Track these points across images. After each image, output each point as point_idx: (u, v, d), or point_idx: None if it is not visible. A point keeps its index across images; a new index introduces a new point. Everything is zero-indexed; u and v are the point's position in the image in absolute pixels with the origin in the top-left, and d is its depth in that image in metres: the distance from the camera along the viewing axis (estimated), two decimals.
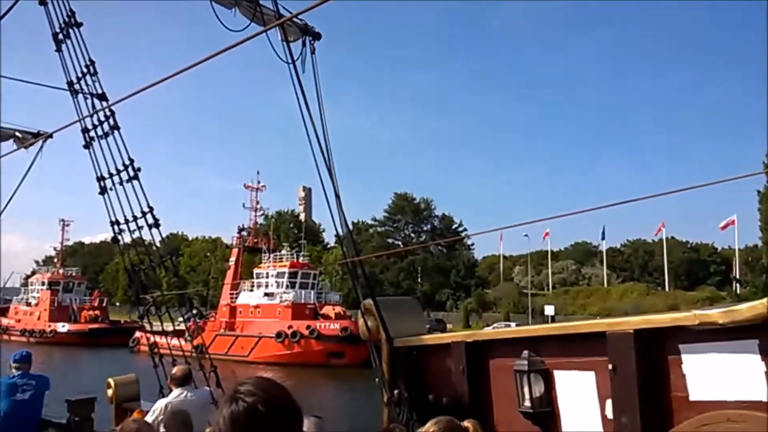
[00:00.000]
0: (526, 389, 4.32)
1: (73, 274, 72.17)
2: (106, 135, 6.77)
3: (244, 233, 60.75)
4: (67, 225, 76.15)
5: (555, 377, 4.28)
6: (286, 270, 52.63)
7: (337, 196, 5.41)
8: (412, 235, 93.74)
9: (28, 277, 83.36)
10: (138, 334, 48.96)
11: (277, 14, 5.94)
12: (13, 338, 59.36)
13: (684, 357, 3.58)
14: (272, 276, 52.91)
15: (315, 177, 5.71)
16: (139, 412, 6.32)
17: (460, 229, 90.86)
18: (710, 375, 3.48)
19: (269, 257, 55.27)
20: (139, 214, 6.82)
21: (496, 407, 4.67)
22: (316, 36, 6.59)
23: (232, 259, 59.50)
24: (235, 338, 49.75)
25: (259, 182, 60.08)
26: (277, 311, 50.00)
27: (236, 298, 55.10)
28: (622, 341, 3.76)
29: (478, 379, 4.78)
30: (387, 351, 5.35)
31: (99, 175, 6.91)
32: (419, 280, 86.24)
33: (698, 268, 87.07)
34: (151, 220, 6.87)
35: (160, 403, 5.92)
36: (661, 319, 3.76)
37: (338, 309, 52.94)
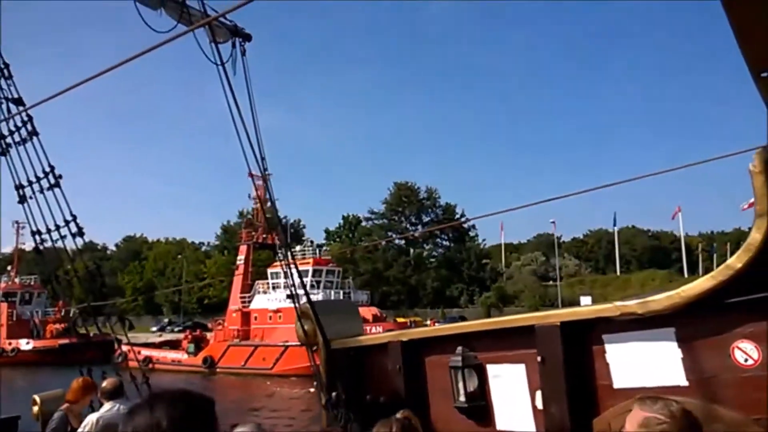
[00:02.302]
0: (460, 385, 4.40)
1: (32, 283, 62.41)
2: (24, 141, 6.49)
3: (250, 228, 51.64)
4: (22, 228, 68.93)
5: (488, 371, 4.33)
6: (310, 268, 45.74)
7: (271, 199, 5.38)
8: (410, 227, 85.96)
9: None
10: (124, 348, 43.26)
11: (204, 14, 5.80)
12: None
13: (607, 347, 3.68)
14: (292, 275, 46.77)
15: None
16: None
17: (463, 219, 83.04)
18: (632, 363, 3.61)
19: (285, 254, 48.99)
20: (62, 223, 6.56)
21: (433, 404, 4.71)
22: (246, 37, 6.48)
23: (241, 257, 51.17)
24: (254, 348, 43.09)
25: (265, 170, 52.69)
26: None
27: (249, 302, 47.81)
28: (550, 334, 3.85)
29: (414, 377, 4.81)
30: (324, 353, 5.31)
31: (17, 183, 6.62)
32: (395, 271, 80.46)
33: (660, 255, 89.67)
34: (74, 229, 6.62)
35: (91, 418, 5.71)
36: (586, 311, 3.86)
37: (374, 310, 47.83)
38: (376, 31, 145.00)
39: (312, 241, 55.12)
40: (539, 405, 3.95)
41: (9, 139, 6.45)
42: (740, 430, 3.09)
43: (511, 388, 4.18)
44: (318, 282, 46.62)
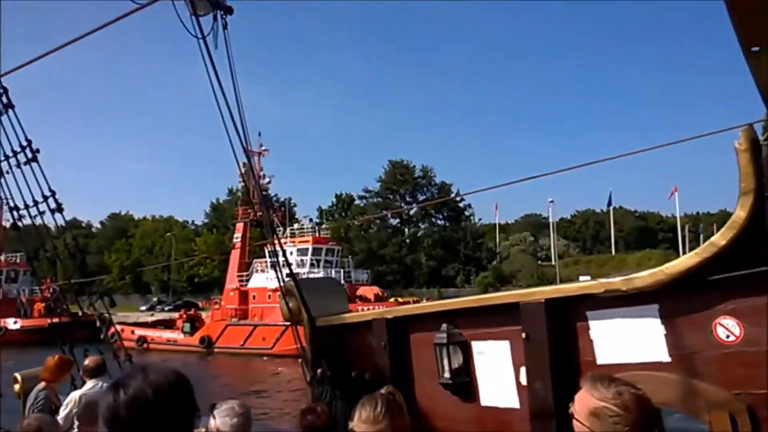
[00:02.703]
0: (445, 361, 4.41)
1: (18, 260, 59.54)
2: None
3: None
4: (6, 204, 65.29)
5: (472, 348, 4.33)
6: (309, 246, 45.53)
7: (254, 177, 5.28)
8: (404, 206, 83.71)
9: None
10: (118, 327, 42.32)
11: None
12: None
13: (591, 323, 3.70)
14: (292, 254, 43.78)
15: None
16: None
17: (458, 199, 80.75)
18: (615, 339, 3.63)
19: (284, 232, 46.73)
20: (40, 199, 6.43)
21: (418, 381, 4.72)
22: (228, 10, 6.31)
23: (238, 235, 49.97)
24: (253, 328, 41.64)
25: (261, 145, 48.77)
26: None
27: (247, 280, 46.46)
28: (534, 310, 3.86)
29: (399, 354, 4.81)
30: (309, 330, 5.29)
31: None
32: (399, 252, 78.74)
33: (647, 235, 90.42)
34: (53, 205, 6.50)
35: (74, 395, 5.71)
36: (570, 288, 3.87)
37: (376, 290, 47.28)
38: (367, 13, 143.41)
39: (311, 219, 55.14)
40: (523, 381, 3.97)
41: None
42: (722, 405, 3.11)
43: (495, 364, 4.20)
44: (318, 260, 45.85)
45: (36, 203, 6.46)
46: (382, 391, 3.11)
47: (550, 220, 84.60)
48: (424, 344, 4.58)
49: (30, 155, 6.32)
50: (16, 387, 6.79)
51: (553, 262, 77.18)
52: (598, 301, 3.62)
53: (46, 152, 6.42)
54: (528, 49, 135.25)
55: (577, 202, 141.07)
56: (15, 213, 6.65)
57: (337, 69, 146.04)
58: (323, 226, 53.70)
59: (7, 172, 6.43)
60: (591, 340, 3.69)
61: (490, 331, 4.23)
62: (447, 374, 4.35)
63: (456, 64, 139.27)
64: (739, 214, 3.02)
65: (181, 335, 45.06)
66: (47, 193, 6.43)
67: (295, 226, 50.39)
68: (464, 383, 4.35)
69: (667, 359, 3.37)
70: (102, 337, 7.08)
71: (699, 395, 3.20)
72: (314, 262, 45.42)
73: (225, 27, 6.25)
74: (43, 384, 6.16)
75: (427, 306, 5.24)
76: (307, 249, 45.83)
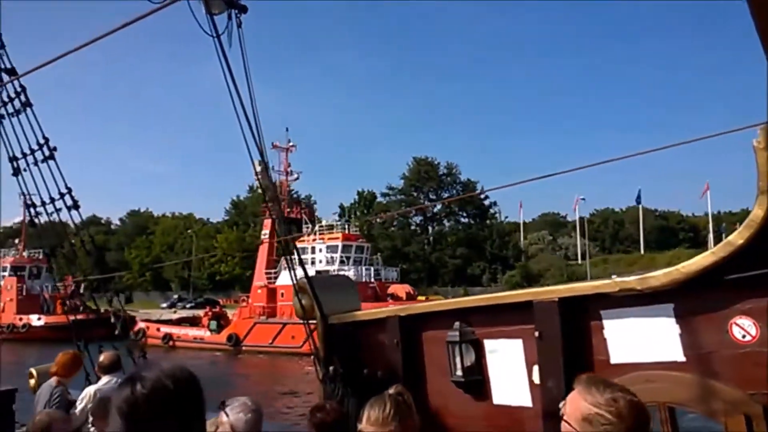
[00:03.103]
0: (457, 359, 4.40)
1: (40, 257, 57.75)
2: (17, 113, 6.40)
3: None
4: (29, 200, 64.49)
5: (485, 346, 4.32)
6: (339, 243, 45.14)
7: (269, 176, 5.30)
8: (428, 203, 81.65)
9: None
10: (143, 324, 43.41)
11: None
12: None
13: (605, 322, 3.67)
14: (321, 251, 44.72)
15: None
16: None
17: (482, 197, 79.52)
18: (629, 338, 3.60)
19: (312, 229, 46.95)
20: (57, 196, 6.51)
21: (430, 378, 4.72)
22: (242, 8, 6.34)
23: (266, 231, 48.80)
24: (282, 326, 40.44)
25: (288, 141, 49.53)
26: None
27: (275, 278, 45.19)
28: (548, 309, 3.85)
29: (412, 351, 4.81)
30: (322, 328, 5.30)
31: (11, 155, 6.55)
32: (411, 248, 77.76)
33: (668, 234, 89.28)
34: (70, 202, 6.57)
35: (89, 390, 5.77)
36: (584, 287, 3.84)
37: (408, 288, 46.84)
38: (366, 13, 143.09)
39: (341, 216, 54.36)
40: (536, 380, 3.95)
41: (2, 110, 6.37)
42: (737, 406, 3.06)
43: (508, 363, 4.18)
44: (347, 258, 45.38)
45: (53, 200, 6.53)
46: (391, 391, 3.08)
47: (577, 217, 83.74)
48: (436, 342, 4.57)
49: (47, 153, 6.40)
50: (32, 382, 6.87)
51: (579, 262, 76.32)
52: (613, 300, 3.59)
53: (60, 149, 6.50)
54: (528, 49, 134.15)
55: (592, 201, 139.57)
56: (32, 210, 6.74)
57: (337, 69, 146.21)
58: (353, 222, 53.39)
59: (25, 170, 6.52)
60: (605, 339, 3.66)
61: (503, 330, 4.21)
62: (459, 372, 4.34)
63: (456, 63, 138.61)
64: (757, 213, 2.98)
65: (208, 333, 44.67)
66: (64, 191, 6.51)
67: (324, 223, 49.94)
68: (476, 381, 4.34)
69: (682, 359, 3.33)
70: (117, 333, 7.14)
71: (714, 395, 3.15)
72: (344, 259, 44.86)
73: (239, 25, 6.30)
74: (56, 380, 6.22)
75: (440, 304, 5.21)
76: (337, 246, 45.27)
